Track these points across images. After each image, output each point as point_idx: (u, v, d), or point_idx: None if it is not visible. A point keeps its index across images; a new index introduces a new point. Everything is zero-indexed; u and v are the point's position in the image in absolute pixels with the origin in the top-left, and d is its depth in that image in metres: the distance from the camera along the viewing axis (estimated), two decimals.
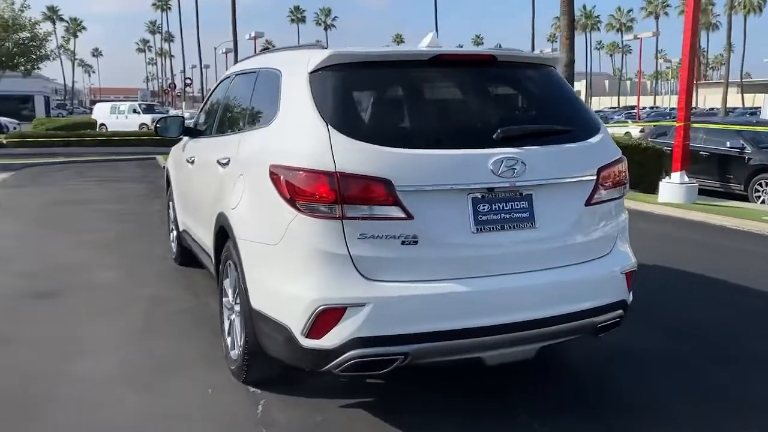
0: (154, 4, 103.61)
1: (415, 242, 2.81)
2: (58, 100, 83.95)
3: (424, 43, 3.42)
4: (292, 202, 2.84)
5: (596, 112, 49.06)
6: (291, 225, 2.85)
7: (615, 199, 3.28)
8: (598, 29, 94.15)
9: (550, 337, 3.09)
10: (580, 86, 76.02)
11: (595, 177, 3.16)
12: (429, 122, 3.16)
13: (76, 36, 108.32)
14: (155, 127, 5.30)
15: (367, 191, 2.77)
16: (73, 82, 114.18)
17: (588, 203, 3.14)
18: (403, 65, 3.22)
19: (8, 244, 7.23)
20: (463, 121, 3.32)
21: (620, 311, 3.22)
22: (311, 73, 3.06)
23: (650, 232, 7.85)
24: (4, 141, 22.56)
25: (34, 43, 25.03)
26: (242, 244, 3.26)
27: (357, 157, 2.80)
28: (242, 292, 3.24)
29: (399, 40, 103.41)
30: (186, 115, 22.54)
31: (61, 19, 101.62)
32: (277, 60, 3.66)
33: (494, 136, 2.97)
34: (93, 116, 34.75)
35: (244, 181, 3.36)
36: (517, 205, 2.99)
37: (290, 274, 2.90)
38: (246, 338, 3.29)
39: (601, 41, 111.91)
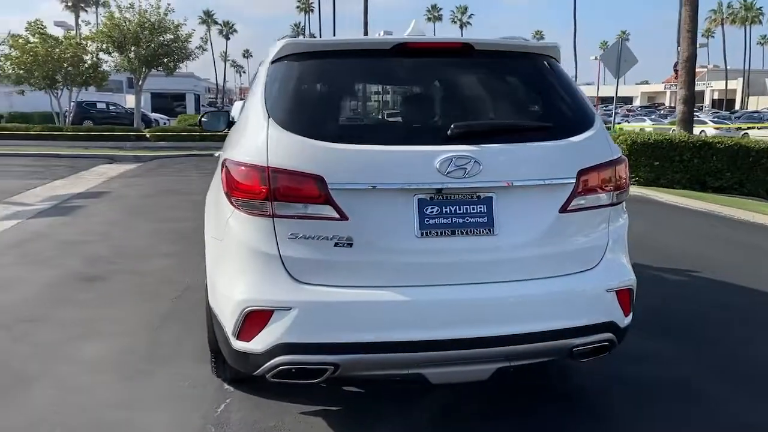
0: (297, 7, 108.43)
1: (350, 245, 2.59)
2: (210, 98, 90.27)
3: (407, 32, 3.18)
4: (228, 196, 2.72)
5: (753, 113, 44.34)
6: (229, 221, 2.74)
7: (604, 206, 2.84)
8: (760, 22, 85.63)
9: (509, 357, 2.72)
10: (735, 84, 69.69)
11: (574, 180, 2.75)
12: (375, 116, 2.94)
13: (228, 38, 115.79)
14: (200, 120, 5.41)
15: (297, 188, 2.58)
16: (224, 81, 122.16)
17: (563, 210, 2.74)
18: (362, 55, 2.98)
19: (95, 229, 7.77)
20: (417, 115, 3.06)
21: (608, 335, 2.79)
22: (271, 63, 2.94)
23: None
24: (147, 135, 24.60)
25: (177, 44, 26.95)
26: (206, 238, 3.21)
27: (291, 151, 2.62)
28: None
29: (539, 36, 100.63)
30: None
31: (215, 23, 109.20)
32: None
33: (448, 133, 2.66)
34: (231, 113, 36.96)
35: (215, 176, 3.32)
36: (474, 208, 2.66)
37: (228, 272, 2.78)
38: (208, 335, 3.24)
39: (766, 35, 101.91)
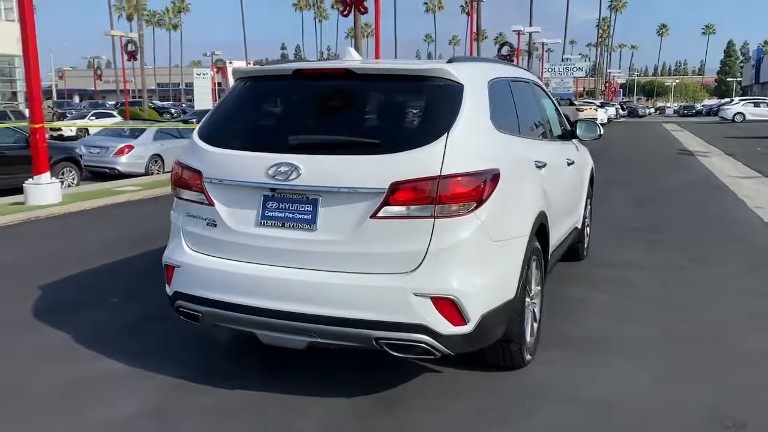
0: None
1: (214, 225, 3.43)
2: None
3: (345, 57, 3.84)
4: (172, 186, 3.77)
5: None
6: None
7: (421, 217, 3.08)
8: None
9: (318, 335, 3.20)
10: None
11: (385, 191, 3.09)
12: (247, 127, 3.63)
13: None
14: None
15: (187, 179, 3.57)
16: None
17: (374, 216, 3.11)
18: (276, 79, 3.77)
19: None
20: (278, 128, 3.66)
21: (422, 337, 3.08)
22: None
23: None
24: None
25: None
26: None
27: (192, 152, 3.64)
28: None
29: None
30: None
31: None
32: None
33: (289, 143, 3.34)
34: None
35: None
36: (302, 207, 3.27)
37: None
38: None
39: None
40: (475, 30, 43.46)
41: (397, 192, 3.09)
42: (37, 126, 10.23)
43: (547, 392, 3.62)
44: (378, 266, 3.14)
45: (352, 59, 4.18)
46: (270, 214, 3.32)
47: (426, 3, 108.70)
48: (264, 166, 3.27)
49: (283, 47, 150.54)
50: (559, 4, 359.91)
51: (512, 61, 45.84)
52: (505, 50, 45.80)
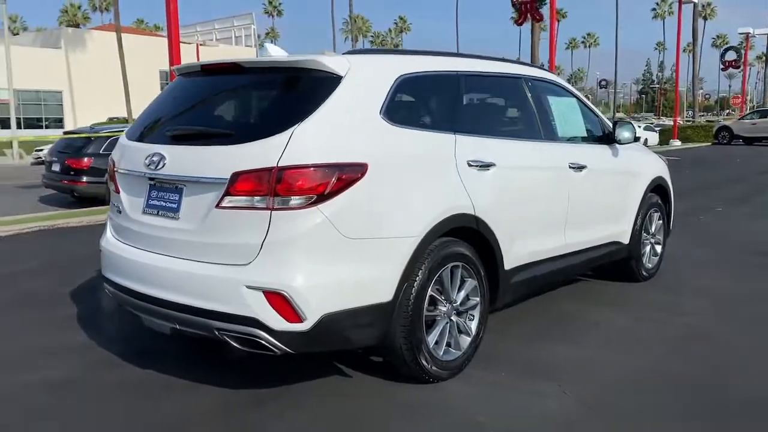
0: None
1: (120, 212, 3.68)
2: None
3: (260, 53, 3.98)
4: None
5: None
6: None
7: (259, 208, 3.02)
8: None
9: (174, 321, 3.28)
10: None
11: (227, 180, 3.08)
12: (148, 120, 3.80)
13: None
14: None
15: (110, 170, 3.87)
16: None
17: (218, 206, 3.12)
18: (189, 74, 3.92)
19: None
20: (164, 120, 3.75)
21: (253, 330, 3.02)
22: None
23: None
24: None
25: None
26: None
27: (117, 145, 3.95)
28: None
29: None
30: None
31: None
32: None
33: (164, 134, 3.52)
34: None
35: None
36: (172, 196, 3.38)
37: None
38: None
39: None
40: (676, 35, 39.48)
41: (237, 182, 3.07)
42: None
43: (425, 409, 3.31)
44: (219, 256, 3.15)
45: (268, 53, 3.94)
46: (152, 202, 3.49)
47: (654, 9, 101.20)
48: (143, 156, 3.47)
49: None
50: None
51: (738, 67, 40.98)
52: (730, 56, 41.09)
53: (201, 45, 37.26)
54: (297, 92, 3.38)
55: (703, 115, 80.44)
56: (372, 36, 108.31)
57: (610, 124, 5.14)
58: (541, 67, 4.88)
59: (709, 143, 31.70)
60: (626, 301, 5.19)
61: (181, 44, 10.69)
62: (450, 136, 3.69)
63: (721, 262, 6.51)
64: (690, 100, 60.72)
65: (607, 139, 5.10)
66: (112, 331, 4.56)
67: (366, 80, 3.39)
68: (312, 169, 3.03)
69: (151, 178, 3.47)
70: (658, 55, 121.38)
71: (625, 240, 5.31)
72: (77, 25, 72.37)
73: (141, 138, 3.67)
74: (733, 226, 8.67)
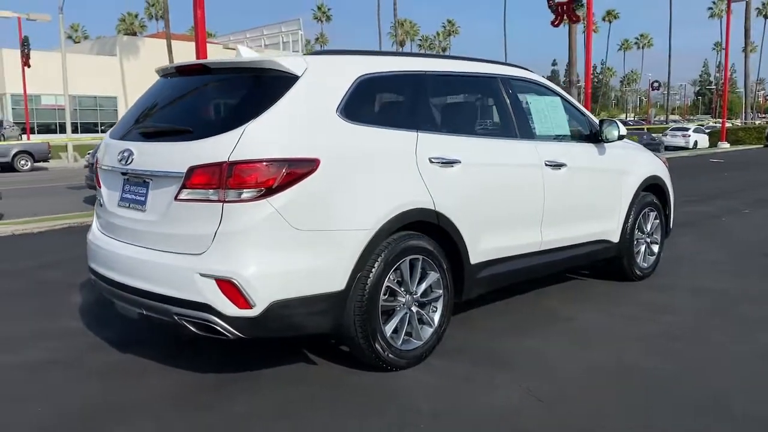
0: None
1: (101, 204, 3.93)
2: None
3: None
4: None
5: None
6: None
7: (212, 201, 3.20)
8: None
9: (141, 306, 3.47)
10: None
11: (183, 174, 3.28)
12: (127, 119, 4.01)
13: None
14: None
15: (94, 166, 4.23)
16: None
17: (176, 198, 3.32)
18: (167, 75, 4.13)
19: None
20: (141, 119, 3.94)
21: (207, 315, 3.19)
22: None
23: None
24: None
25: None
26: None
27: (102, 143, 4.16)
28: None
29: None
30: None
31: None
32: None
33: (134, 132, 3.77)
34: None
35: None
36: (140, 189, 3.60)
37: None
38: None
39: None
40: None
41: (192, 176, 3.26)
42: None
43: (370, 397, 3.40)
44: (178, 246, 3.35)
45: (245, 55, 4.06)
46: (125, 195, 3.71)
47: (710, 8, 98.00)
48: (117, 152, 3.71)
49: (554, 63, 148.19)
50: None
51: None
52: None
53: (224, 47, 35.67)
54: (255, 91, 3.54)
55: (765, 117, 77.42)
56: (420, 39, 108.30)
57: (597, 123, 5.14)
58: (521, 67, 4.90)
59: (761, 145, 30.60)
60: (613, 299, 5.16)
61: (214, 46, 11.01)
62: (412, 133, 3.78)
63: (729, 264, 6.38)
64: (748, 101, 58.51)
65: (594, 137, 5.09)
66: (106, 319, 4.80)
67: (323, 79, 3.53)
68: (261, 163, 3.18)
69: (123, 173, 3.70)
70: (716, 55, 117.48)
71: (615, 238, 5.28)
72: (134, 33, 74.93)
73: (120, 136, 3.89)
74: (755, 228, 8.43)
